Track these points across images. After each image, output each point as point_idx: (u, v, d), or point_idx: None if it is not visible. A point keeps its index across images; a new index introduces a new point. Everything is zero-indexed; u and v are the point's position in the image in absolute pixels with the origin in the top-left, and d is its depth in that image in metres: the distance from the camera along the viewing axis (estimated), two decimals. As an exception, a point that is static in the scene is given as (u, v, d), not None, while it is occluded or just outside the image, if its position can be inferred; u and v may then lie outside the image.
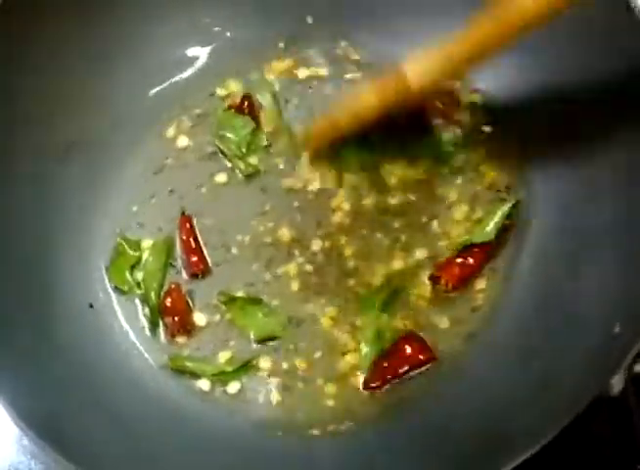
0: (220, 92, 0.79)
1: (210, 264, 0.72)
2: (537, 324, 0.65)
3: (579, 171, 0.68)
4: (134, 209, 0.75)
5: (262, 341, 0.70)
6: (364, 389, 0.67)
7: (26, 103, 0.69)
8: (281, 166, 0.75)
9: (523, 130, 0.72)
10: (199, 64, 0.80)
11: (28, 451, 0.68)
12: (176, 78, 0.79)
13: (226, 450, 0.65)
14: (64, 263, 0.71)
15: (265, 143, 0.76)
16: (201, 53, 0.80)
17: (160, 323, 0.71)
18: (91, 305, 0.71)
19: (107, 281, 0.73)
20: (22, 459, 0.68)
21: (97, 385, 0.66)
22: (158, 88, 0.79)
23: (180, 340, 0.70)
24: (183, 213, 0.74)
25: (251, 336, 0.70)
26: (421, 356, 0.66)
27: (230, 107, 0.77)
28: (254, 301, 0.70)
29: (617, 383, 0.54)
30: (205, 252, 0.73)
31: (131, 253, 0.73)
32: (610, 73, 0.64)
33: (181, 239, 0.73)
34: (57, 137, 0.72)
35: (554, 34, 0.61)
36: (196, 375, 0.69)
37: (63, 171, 0.72)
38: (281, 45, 0.80)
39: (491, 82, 0.74)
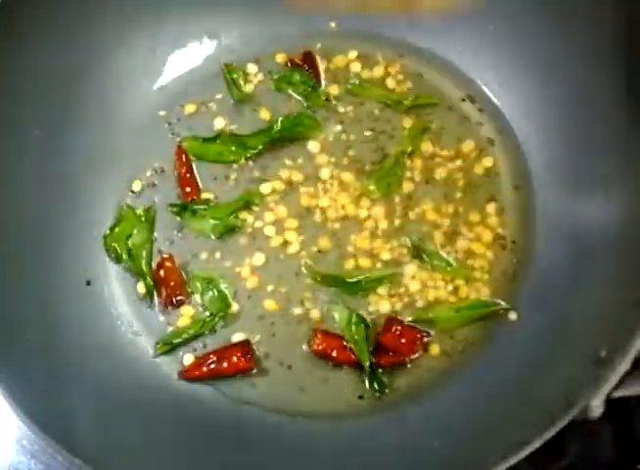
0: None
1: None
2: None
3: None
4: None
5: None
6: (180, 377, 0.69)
7: (27, 102, 0.70)
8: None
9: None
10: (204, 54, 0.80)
11: (28, 451, 0.69)
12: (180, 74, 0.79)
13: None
14: (63, 238, 0.71)
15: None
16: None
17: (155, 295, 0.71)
18: (88, 283, 0.71)
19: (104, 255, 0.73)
20: (21, 459, 0.69)
21: (98, 370, 0.66)
22: (159, 85, 0.79)
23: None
24: (179, 147, 0.75)
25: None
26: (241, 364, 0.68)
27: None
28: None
29: (596, 406, 0.53)
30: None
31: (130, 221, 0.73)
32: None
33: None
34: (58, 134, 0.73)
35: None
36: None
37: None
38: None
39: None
